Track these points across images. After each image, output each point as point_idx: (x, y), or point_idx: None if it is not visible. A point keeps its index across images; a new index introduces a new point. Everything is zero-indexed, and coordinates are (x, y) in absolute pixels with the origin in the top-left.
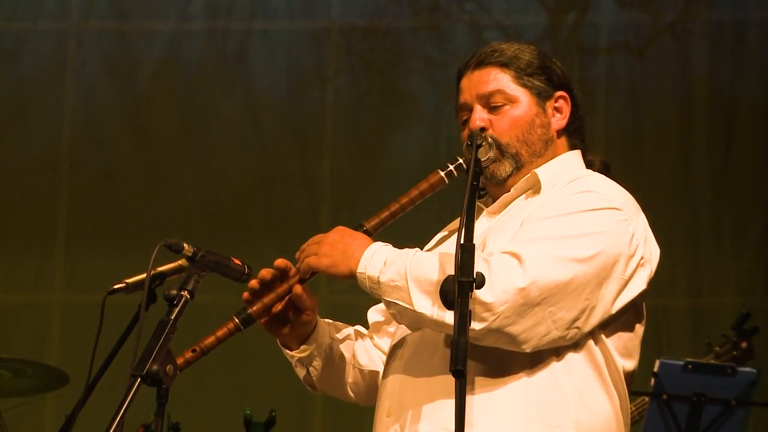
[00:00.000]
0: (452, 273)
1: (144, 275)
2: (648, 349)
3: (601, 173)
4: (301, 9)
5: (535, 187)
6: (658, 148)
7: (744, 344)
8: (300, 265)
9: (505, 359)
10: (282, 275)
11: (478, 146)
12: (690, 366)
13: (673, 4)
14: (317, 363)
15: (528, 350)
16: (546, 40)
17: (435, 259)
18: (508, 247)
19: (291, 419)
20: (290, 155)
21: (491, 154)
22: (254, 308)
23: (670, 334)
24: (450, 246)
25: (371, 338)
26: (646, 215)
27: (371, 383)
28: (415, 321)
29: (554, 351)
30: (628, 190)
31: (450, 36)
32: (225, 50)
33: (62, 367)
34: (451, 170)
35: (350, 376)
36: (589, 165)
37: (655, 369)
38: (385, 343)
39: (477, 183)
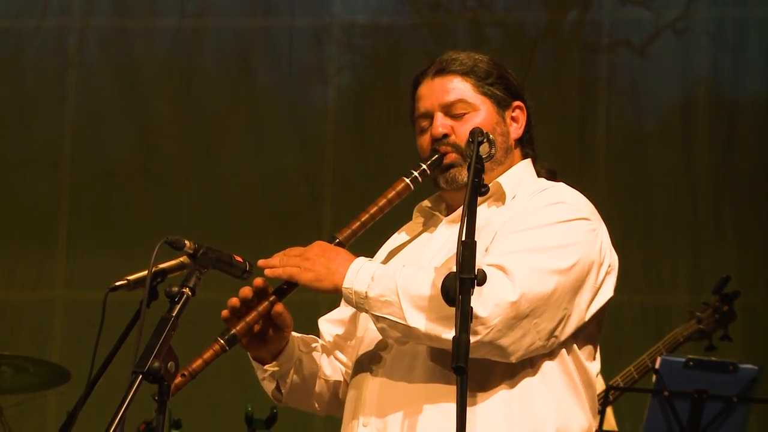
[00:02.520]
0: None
1: (145, 272)
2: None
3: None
4: (303, 6)
5: (496, 195)
6: (659, 146)
7: (725, 307)
8: (280, 272)
9: (486, 370)
10: (260, 293)
11: (479, 143)
12: (691, 363)
13: (675, 2)
14: (289, 377)
15: (514, 360)
16: (547, 37)
17: (425, 275)
18: (491, 260)
19: (292, 416)
20: (292, 153)
21: (492, 151)
22: (237, 328)
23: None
24: (411, 252)
25: (331, 350)
26: (647, 213)
27: (334, 393)
28: (406, 335)
29: (529, 360)
30: (627, 189)
31: (452, 33)
32: (227, 48)
33: (64, 364)
34: (415, 176)
35: (317, 387)
36: (536, 174)
37: (657, 366)
38: (343, 355)
39: (479, 180)
